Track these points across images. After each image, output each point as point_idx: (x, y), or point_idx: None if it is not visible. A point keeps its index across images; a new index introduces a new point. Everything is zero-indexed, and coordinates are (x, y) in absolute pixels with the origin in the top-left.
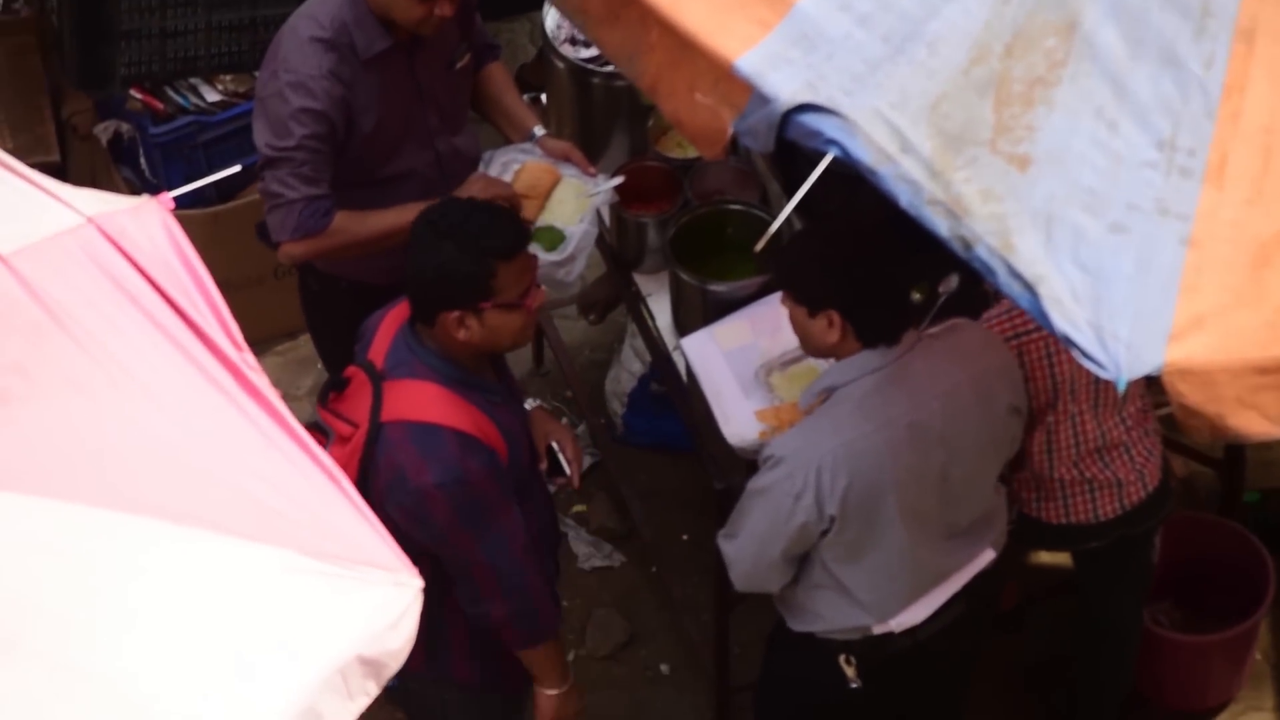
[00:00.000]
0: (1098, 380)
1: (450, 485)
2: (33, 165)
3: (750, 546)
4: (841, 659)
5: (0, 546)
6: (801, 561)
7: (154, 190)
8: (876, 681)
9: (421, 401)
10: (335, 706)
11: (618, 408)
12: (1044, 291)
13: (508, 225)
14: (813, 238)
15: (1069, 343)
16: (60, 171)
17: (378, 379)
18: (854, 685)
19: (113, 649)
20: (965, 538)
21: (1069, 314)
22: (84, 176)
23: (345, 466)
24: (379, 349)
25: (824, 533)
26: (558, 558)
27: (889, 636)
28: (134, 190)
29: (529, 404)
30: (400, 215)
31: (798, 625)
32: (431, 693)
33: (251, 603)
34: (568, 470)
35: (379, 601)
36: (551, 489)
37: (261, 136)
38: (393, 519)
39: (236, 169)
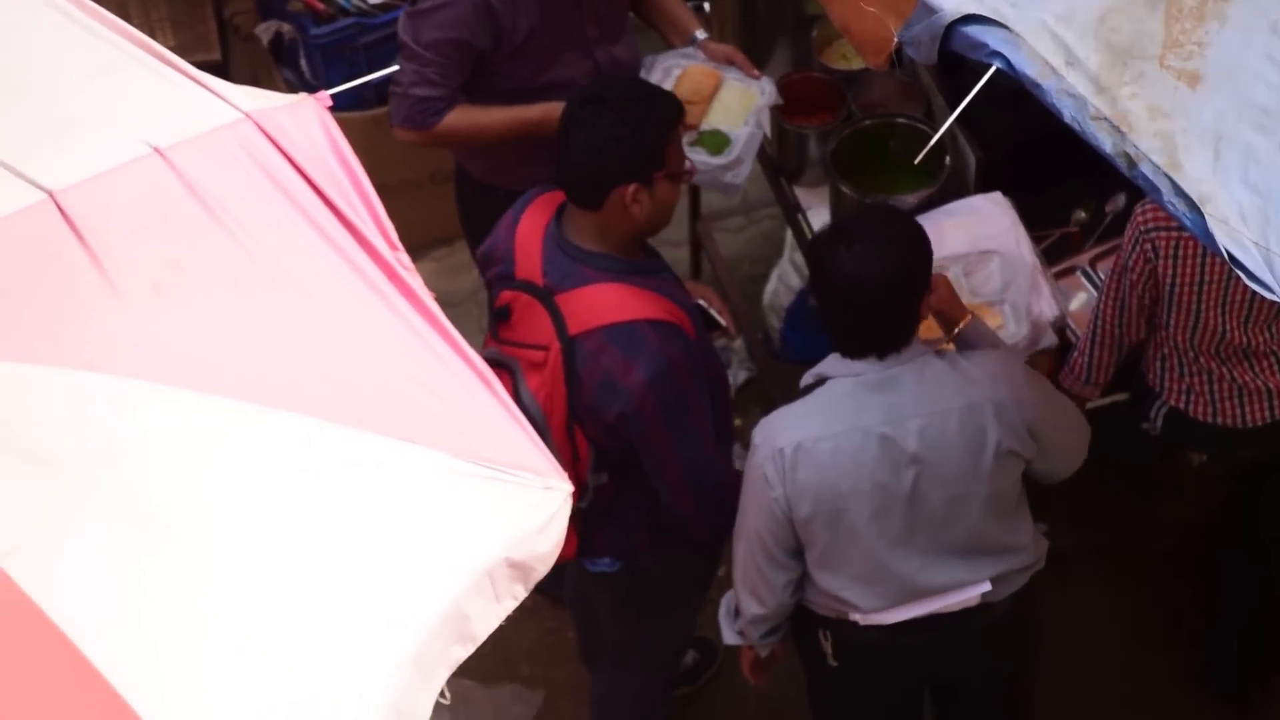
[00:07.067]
0: (1253, 297)
1: (658, 378)
2: (194, 63)
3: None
4: (820, 633)
5: (152, 439)
6: None
7: (314, 91)
8: (855, 667)
9: (607, 303)
10: (482, 609)
11: (775, 322)
12: (1210, 211)
13: (668, 94)
14: (834, 229)
15: (1234, 262)
16: (221, 70)
17: (547, 296)
18: (832, 664)
19: (263, 545)
20: (958, 562)
21: (1235, 234)
22: (245, 76)
23: (550, 389)
24: (529, 266)
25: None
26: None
27: (857, 625)
28: (294, 91)
29: None
30: (521, 113)
31: None
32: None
33: (401, 504)
34: (722, 321)
35: (529, 505)
36: (718, 344)
37: (403, 25)
38: (598, 429)
39: (395, 69)
